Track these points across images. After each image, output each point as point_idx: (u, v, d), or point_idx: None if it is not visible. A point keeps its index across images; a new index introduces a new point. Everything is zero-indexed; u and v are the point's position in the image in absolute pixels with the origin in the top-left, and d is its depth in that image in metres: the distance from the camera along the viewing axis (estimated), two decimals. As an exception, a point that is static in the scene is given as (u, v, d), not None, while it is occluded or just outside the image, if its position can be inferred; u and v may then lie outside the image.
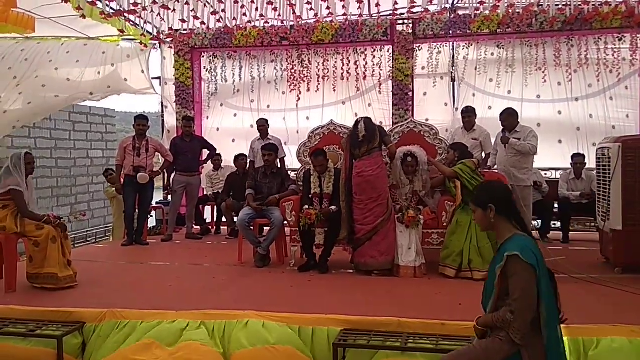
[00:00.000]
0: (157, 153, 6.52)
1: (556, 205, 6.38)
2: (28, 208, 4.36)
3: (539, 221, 6.36)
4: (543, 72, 7.22)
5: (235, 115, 8.21)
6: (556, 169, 7.09)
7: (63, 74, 7.49)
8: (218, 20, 6.50)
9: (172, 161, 6.66)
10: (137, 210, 6.37)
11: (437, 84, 7.53)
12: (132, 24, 7.29)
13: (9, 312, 3.62)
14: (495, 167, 5.79)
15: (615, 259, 4.63)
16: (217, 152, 7.32)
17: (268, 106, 8.06)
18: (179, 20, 6.23)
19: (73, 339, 3.38)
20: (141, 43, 7.62)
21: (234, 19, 6.51)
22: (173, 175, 6.81)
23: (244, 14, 6.53)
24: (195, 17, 6.20)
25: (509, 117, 5.53)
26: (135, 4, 5.45)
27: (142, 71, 7.92)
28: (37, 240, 4.25)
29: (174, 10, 6.21)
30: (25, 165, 4.42)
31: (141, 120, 6.35)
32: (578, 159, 6.34)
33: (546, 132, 6.72)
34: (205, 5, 6.25)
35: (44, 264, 4.27)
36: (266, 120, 6.95)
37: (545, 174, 6.76)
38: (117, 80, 7.76)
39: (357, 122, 4.89)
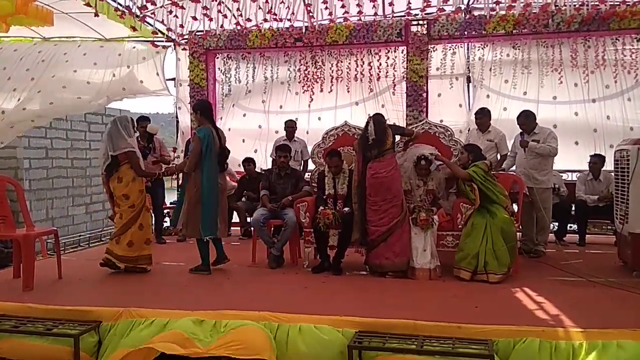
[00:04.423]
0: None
1: (573, 208, 6.30)
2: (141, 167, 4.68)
3: (555, 224, 6.29)
4: (559, 73, 7.11)
5: (244, 115, 8.21)
6: (572, 171, 6.99)
7: (82, 76, 7.57)
8: (236, 23, 6.53)
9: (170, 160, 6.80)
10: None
11: (452, 85, 7.47)
12: (147, 24, 7.34)
13: (27, 310, 3.68)
14: (513, 169, 5.73)
15: (634, 262, 4.55)
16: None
17: (280, 107, 8.04)
18: (195, 19, 6.27)
19: (89, 337, 3.41)
20: (153, 43, 7.66)
21: (249, 19, 6.54)
22: None
23: (265, 20, 6.54)
24: (208, 17, 6.21)
25: (527, 120, 5.46)
26: (148, 2, 5.54)
27: (157, 73, 7.97)
28: (142, 224, 4.65)
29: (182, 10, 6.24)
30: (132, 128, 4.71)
31: (143, 122, 6.39)
32: (593, 159, 6.27)
33: (562, 134, 6.58)
34: (216, 9, 6.27)
35: (143, 245, 4.69)
36: (295, 122, 6.94)
37: (562, 176, 6.68)
38: (133, 81, 7.81)
39: (367, 122, 4.84)
